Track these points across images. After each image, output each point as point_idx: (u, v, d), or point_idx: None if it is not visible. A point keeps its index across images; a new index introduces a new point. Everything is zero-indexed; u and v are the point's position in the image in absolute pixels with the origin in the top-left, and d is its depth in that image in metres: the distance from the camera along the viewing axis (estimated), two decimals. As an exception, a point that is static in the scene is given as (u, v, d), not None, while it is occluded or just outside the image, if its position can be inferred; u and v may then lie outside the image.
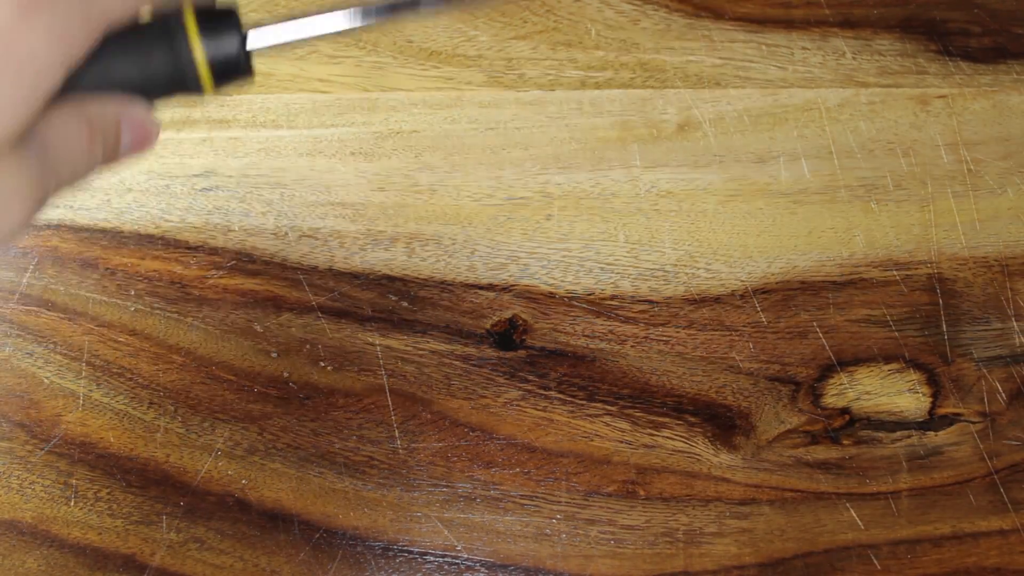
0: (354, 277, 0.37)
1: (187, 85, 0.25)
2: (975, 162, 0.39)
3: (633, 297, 0.37)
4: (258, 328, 0.36)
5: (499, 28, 0.39)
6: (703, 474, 0.36)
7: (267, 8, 0.39)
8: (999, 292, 0.38)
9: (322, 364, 0.36)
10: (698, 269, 0.37)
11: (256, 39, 0.25)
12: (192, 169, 0.38)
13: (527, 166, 0.38)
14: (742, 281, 0.37)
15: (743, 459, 0.36)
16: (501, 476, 0.35)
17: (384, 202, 0.38)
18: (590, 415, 0.36)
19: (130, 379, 0.36)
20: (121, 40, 0.25)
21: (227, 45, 0.25)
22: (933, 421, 0.37)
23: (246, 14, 0.25)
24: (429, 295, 0.37)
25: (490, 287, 0.37)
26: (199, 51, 0.24)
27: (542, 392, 0.36)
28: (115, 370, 0.36)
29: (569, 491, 0.35)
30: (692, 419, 0.36)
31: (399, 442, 0.36)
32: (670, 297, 0.37)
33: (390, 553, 0.35)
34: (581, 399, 0.36)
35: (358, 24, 0.27)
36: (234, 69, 0.25)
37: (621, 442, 0.36)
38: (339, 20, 0.27)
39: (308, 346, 0.36)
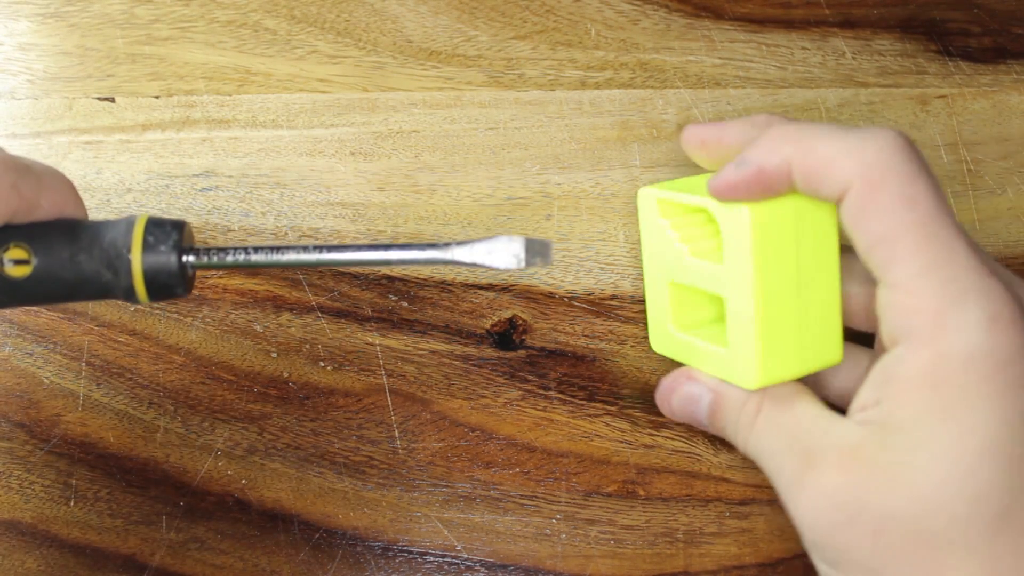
0: (354, 277, 0.37)
1: (122, 289, 0.26)
2: (975, 162, 0.39)
3: (633, 297, 0.37)
4: (258, 328, 0.36)
5: (499, 28, 0.39)
6: (703, 474, 0.36)
7: (267, 7, 0.39)
8: (999, 292, 0.38)
9: (322, 364, 0.36)
10: (698, 269, 0.37)
11: (196, 261, 0.27)
12: (192, 169, 0.38)
13: (527, 166, 0.38)
14: (742, 281, 0.37)
15: (743, 459, 0.36)
16: (501, 476, 0.35)
17: (384, 202, 0.38)
18: (590, 415, 0.36)
19: (130, 379, 0.36)
20: (71, 233, 0.26)
21: (164, 259, 0.26)
22: (933, 421, 0.37)
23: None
24: (429, 295, 0.37)
25: (490, 287, 0.37)
26: (137, 263, 0.26)
27: (542, 392, 0.36)
28: (115, 370, 0.36)
29: (569, 491, 0.35)
30: (692, 419, 0.36)
31: (399, 442, 0.36)
32: (670, 297, 0.37)
33: (390, 553, 0.35)
34: (581, 399, 0.36)
35: (304, 261, 0.27)
36: (168, 283, 0.26)
37: (621, 442, 0.36)
38: (287, 255, 0.27)
39: (308, 346, 0.36)
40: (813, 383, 0.31)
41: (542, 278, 0.37)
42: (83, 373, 0.36)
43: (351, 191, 0.38)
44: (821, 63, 0.39)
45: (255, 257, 0.27)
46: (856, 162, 0.26)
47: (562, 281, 0.37)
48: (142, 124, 0.38)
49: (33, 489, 0.35)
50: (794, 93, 0.39)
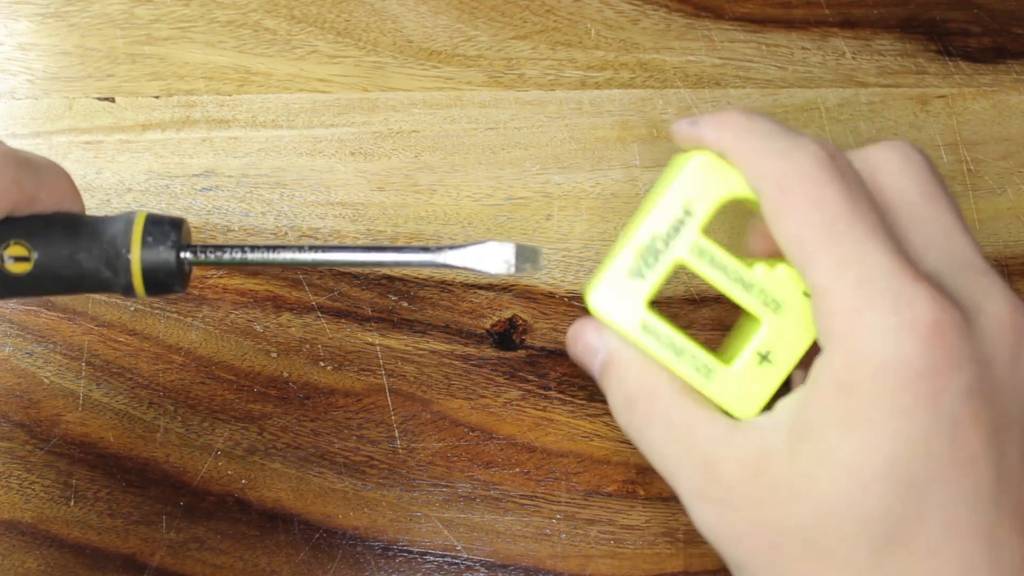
0: (354, 277, 0.37)
1: (120, 286, 0.27)
2: (975, 162, 0.39)
3: (633, 297, 0.37)
4: (258, 328, 0.36)
5: (499, 28, 0.39)
6: (703, 474, 0.36)
7: (267, 7, 0.39)
8: (999, 292, 0.38)
9: (322, 364, 0.36)
10: (698, 269, 0.37)
11: (193, 258, 0.27)
12: (192, 169, 0.38)
13: (527, 166, 0.38)
14: (742, 281, 0.37)
15: (743, 459, 0.36)
16: (501, 476, 0.35)
17: (384, 202, 0.38)
18: (590, 415, 0.36)
19: (130, 379, 0.36)
20: (71, 230, 0.26)
21: (163, 257, 0.27)
22: (933, 421, 0.37)
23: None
24: (429, 295, 0.37)
25: (490, 287, 0.37)
26: (136, 262, 0.26)
27: (542, 392, 0.36)
28: (115, 370, 0.36)
29: (569, 491, 0.35)
30: (692, 419, 0.36)
31: (399, 442, 0.36)
32: (670, 297, 0.37)
33: (390, 553, 0.35)
34: (581, 399, 0.36)
35: (300, 260, 0.28)
36: (166, 282, 0.27)
37: (621, 442, 0.36)
38: (283, 255, 0.28)
39: (308, 346, 0.36)
40: None
41: (542, 278, 0.37)
42: (83, 373, 0.36)
43: (351, 191, 0.38)
44: (821, 63, 0.39)
45: (251, 255, 0.27)
46: (769, 163, 0.26)
47: (562, 281, 0.37)
48: (142, 124, 0.38)
49: (33, 489, 0.35)
50: (794, 93, 0.39)
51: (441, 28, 0.39)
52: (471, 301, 0.37)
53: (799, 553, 0.25)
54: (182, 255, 0.27)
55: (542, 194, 0.38)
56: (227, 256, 0.27)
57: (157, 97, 0.38)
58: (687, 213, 0.27)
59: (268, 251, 0.27)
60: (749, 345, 0.27)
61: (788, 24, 0.40)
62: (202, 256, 0.27)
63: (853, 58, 0.40)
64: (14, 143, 0.37)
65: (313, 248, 0.27)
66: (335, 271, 0.37)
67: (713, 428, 0.27)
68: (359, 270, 0.37)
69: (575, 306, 0.37)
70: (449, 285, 0.37)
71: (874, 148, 0.27)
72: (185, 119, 0.38)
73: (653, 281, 0.27)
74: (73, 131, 0.38)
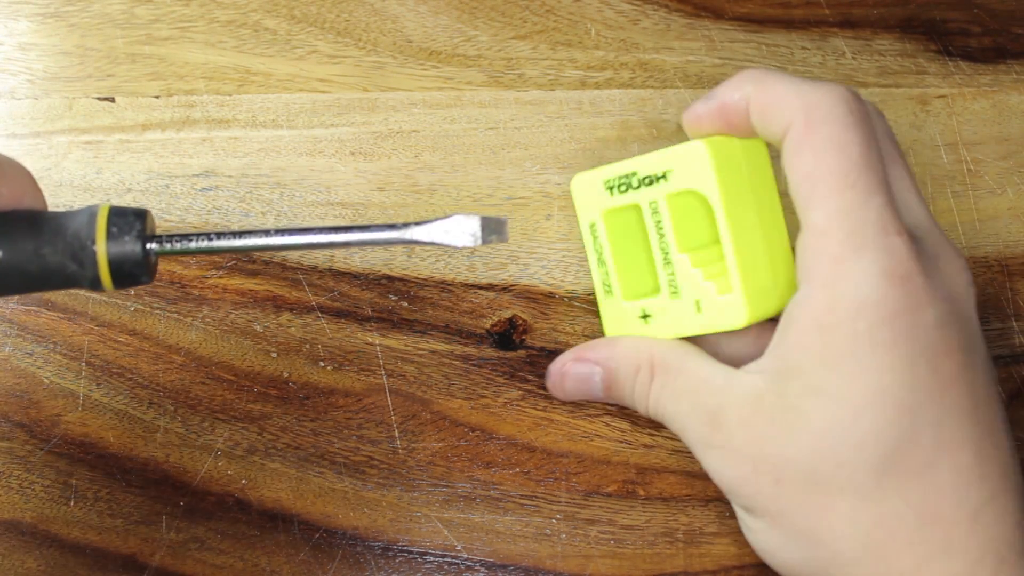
0: (354, 277, 0.37)
1: (87, 279, 0.26)
2: (975, 162, 0.39)
3: (633, 297, 0.37)
4: (258, 328, 0.36)
5: (499, 28, 0.39)
6: (703, 474, 0.36)
7: (267, 7, 0.39)
8: (999, 292, 0.38)
9: (322, 364, 0.36)
10: (698, 269, 0.37)
11: (159, 248, 0.27)
12: (192, 169, 0.38)
13: (527, 166, 0.38)
14: (742, 281, 0.37)
15: (743, 459, 0.36)
16: (501, 476, 0.35)
17: (384, 202, 0.38)
18: (590, 415, 0.36)
19: (130, 379, 0.36)
20: (34, 225, 0.26)
21: (130, 248, 0.26)
22: (933, 421, 0.37)
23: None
24: (429, 295, 0.37)
25: (490, 287, 0.37)
26: (103, 254, 0.26)
27: (542, 392, 0.36)
28: (115, 370, 0.36)
29: (569, 491, 0.35)
30: (692, 419, 0.36)
31: (399, 442, 0.36)
32: (670, 297, 0.37)
33: (390, 553, 0.35)
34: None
35: (268, 245, 0.28)
36: (132, 273, 0.26)
37: (621, 442, 0.36)
38: (251, 240, 0.27)
39: (308, 346, 0.36)
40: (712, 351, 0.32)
41: (542, 278, 0.37)
42: (83, 373, 0.36)
43: (351, 191, 0.38)
44: (821, 63, 0.39)
45: (218, 243, 0.27)
46: (801, 102, 0.27)
47: (562, 281, 0.37)
48: (142, 124, 0.38)
49: (33, 489, 0.35)
50: (794, 93, 0.39)
51: (441, 28, 0.39)
52: (471, 301, 0.37)
53: (802, 483, 0.27)
54: (148, 245, 0.26)
55: (542, 194, 0.38)
56: (193, 244, 0.27)
57: (157, 97, 0.38)
58: (664, 177, 0.30)
59: (235, 237, 0.27)
60: (643, 301, 0.32)
61: (788, 24, 0.40)
62: (168, 246, 0.27)
63: (853, 58, 0.40)
64: (14, 143, 0.38)
65: (280, 232, 0.27)
66: (335, 270, 0.37)
67: (711, 381, 0.29)
68: (360, 269, 0.37)
69: (575, 306, 0.37)
70: (449, 285, 0.37)
71: (811, 87, 0.29)
72: (185, 119, 0.38)
73: (615, 203, 0.32)
74: (73, 131, 0.38)
